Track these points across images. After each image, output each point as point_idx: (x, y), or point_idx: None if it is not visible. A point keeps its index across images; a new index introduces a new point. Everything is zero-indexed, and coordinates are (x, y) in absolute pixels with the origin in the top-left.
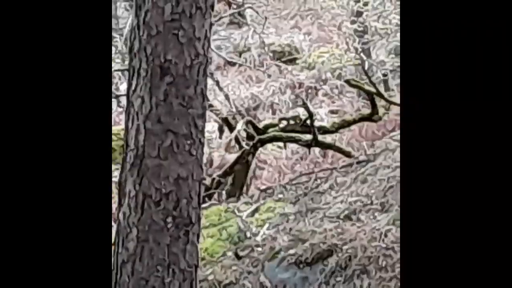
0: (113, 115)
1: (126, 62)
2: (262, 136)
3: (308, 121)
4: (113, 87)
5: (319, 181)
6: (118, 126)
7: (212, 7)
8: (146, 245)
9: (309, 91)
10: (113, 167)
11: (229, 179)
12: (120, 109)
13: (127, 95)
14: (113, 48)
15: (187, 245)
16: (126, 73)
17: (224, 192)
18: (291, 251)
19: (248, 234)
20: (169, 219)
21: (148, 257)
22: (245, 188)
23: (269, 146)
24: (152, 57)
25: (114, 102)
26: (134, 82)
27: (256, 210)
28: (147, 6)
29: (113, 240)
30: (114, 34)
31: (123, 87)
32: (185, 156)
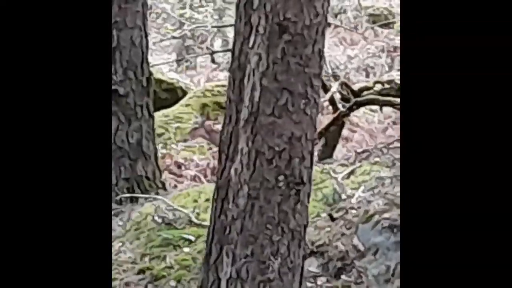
0: (207, 72)
1: (224, 19)
2: (358, 99)
3: None
4: (208, 43)
5: None
6: (212, 82)
7: None
8: (257, 202)
9: None
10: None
11: (322, 140)
12: (214, 65)
13: (233, 52)
14: (211, 4)
15: (297, 204)
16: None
17: (317, 153)
18: (386, 215)
19: (343, 196)
20: (281, 178)
21: (258, 214)
22: (336, 150)
23: (361, 109)
24: (271, 14)
25: (208, 58)
26: (252, 39)
27: (351, 172)
28: None
29: None
30: None
31: (217, 44)
32: (299, 115)
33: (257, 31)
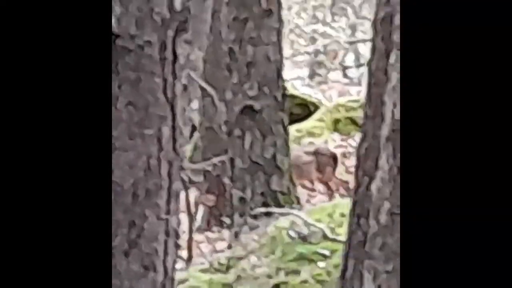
0: (339, 85)
1: (356, 34)
2: None
3: None
4: (340, 58)
5: None
6: (344, 97)
7: None
8: (397, 218)
9: None
10: (338, 137)
11: None
12: (346, 80)
13: (370, 67)
14: (345, 19)
15: None
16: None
17: None
18: None
19: None
20: None
21: (397, 231)
22: None
23: None
24: None
25: (340, 73)
26: (392, 56)
27: None
28: None
29: None
30: (345, 5)
31: (349, 59)
32: None
33: (397, 48)
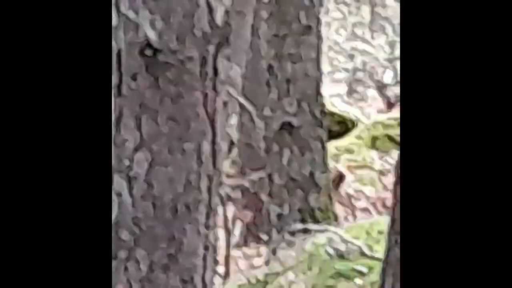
0: (378, 104)
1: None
2: None
3: None
4: (379, 76)
5: None
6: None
7: None
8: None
9: None
10: (376, 155)
11: None
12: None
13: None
14: (384, 37)
15: None
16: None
17: None
18: None
19: None
20: None
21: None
22: None
23: None
24: None
25: (376, 91)
26: None
27: None
28: None
29: None
30: (383, 22)
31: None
32: None
33: None
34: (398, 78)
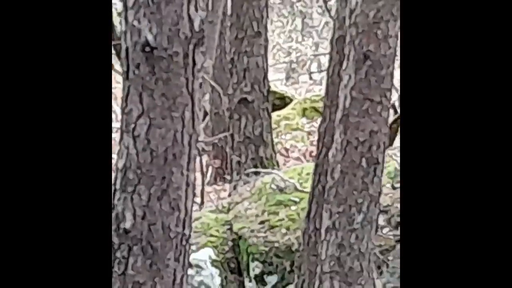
0: (306, 86)
1: (319, 49)
2: None
3: None
4: (307, 66)
5: None
6: (310, 93)
7: None
8: (347, 176)
9: None
10: (305, 120)
11: None
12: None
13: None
14: (311, 39)
15: (374, 177)
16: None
17: None
18: None
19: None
20: (363, 159)
21: (347, 184)
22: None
23: None
24: (358, 47)
25: (307, 76)
26: (344, 64)
27: None
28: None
29: None
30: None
31: (313, 66)
32: (376, 117)
33: (348, 58)
34: (322, 68)
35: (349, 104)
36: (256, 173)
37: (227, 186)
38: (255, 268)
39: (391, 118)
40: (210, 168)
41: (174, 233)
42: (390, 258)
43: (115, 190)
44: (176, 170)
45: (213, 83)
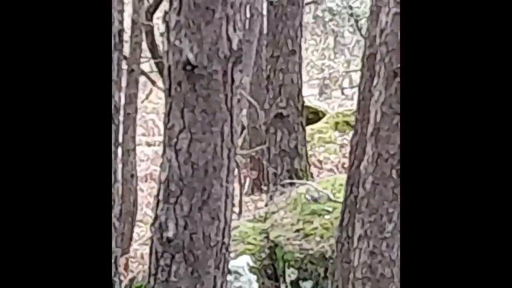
0: (338, 101)
1: (350, 66)
2: None
3: None
4: (339, 82)
5: None
6: (342, 108)
7: None
8: (377, 187)
9: None
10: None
11: None
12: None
13: (359, 88)
14: (343, 57)
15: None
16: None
17: None
18: None
19: None
20: (393, 171)
21: (378, 194)
22: None
23: None
24: (388, 65)
25: (339, 92)
26: (375, 80)
27: None
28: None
29: None
30: (342, 47)
31: (345, 82)
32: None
33: (378, 75)
34: (353, 84)
35: (380, 119)
36: (291, 184)
37: (264, 196)
38: (291, 274)
39: None
40: (247, 180)
41: (214, 242)
42: None
43: (158, 201)
44: (216, 182)
45: (250, 99)
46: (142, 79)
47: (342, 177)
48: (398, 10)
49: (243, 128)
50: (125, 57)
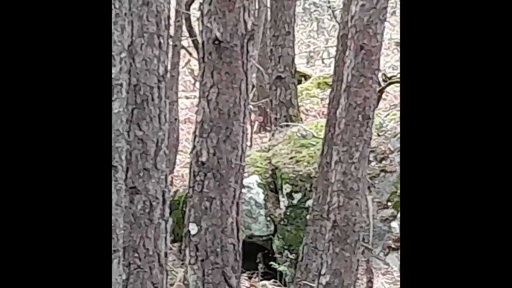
0: (320, 68)
1: (329, 43)
2: (390, 81)
3: None
4: (321, 54)
5: None
6: (322, 73)
7: None
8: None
9: None
10: (319, 90)
11: None
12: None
13: (335, 58)
14: (322, 36)
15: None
16: (328, 48)
17: None
18: None
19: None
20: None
21: (349, 131)
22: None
23: (391, 85)
24: (357, 41)
25: (320, 61)
26: (347, 53)
27: (388, 114)
28: None
29: None
30: (322, 29)
31: (325, 55)
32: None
33: (349, 48)
34: (330, 56)
35: (350, 79)
36: (287, 126)
37: (267, 134)
38: (287, 188)
39: (378, 88)
40: (256, 122)
41: (234, 165)
42: (376, 182)
43: (195, 136)
44: (236, 123)
45: (258, 66)
46: (182, 51)
47: (323, 121)
48: (365, 2)
49: (253, 86)
50: (170, 36)
